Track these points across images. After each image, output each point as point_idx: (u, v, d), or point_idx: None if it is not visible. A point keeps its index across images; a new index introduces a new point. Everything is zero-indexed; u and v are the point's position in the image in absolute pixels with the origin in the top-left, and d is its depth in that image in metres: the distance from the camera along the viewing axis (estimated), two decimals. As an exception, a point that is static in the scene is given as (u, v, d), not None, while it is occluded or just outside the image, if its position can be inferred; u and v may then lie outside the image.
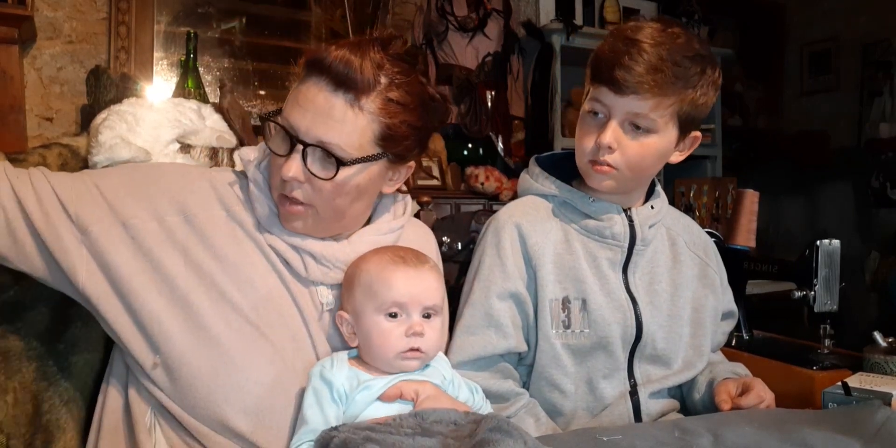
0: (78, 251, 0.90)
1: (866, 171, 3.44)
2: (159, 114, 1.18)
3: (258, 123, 0.97)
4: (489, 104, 2.99)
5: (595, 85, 1.10)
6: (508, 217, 1.17)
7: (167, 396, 0.90)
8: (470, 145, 3.02)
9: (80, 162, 1.15)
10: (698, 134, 1.16)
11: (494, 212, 1.24)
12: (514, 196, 3.00)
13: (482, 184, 2.75)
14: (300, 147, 0.90)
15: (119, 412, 0.95)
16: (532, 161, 1.26)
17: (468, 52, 2.98)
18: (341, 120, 0.89)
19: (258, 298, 0.93)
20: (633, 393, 1.14)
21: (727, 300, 1.31)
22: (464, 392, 1.00)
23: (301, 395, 0.90)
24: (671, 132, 1.10)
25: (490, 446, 0.75)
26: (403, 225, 1.08)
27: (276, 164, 0.93)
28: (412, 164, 1.02)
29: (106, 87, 2.02)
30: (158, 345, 0.89)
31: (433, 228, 1.43)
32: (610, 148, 1.08)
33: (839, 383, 1.13)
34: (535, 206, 1.19)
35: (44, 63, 2.44)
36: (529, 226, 1.15)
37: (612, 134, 1.07)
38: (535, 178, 1.23)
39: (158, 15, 2.57)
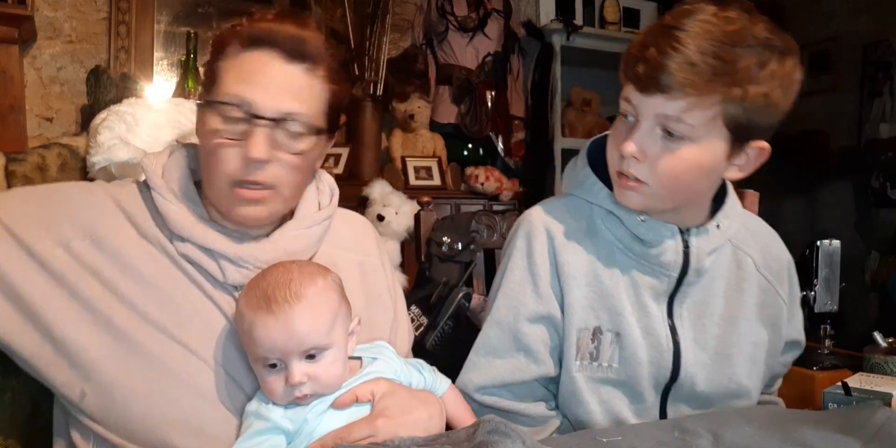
0: None
1: (866, 171, 3.44)
2: (159, 114, 1.18)
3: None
4: (489, 104, 3.00)
5: (624, 81, 0.93)
6: (541, 220, 1.03)
7: (104, 427, 0.85)
8: (470, 145, 3.03)
9: (79, 162, 1.15)
10: (765, 145, 0.94)
11: (494, 212, 1.19)
12: (514, 197, 2.99)
13: (482, 184, 2.75)
14: (263, 123, 0.85)
15: None
16: (583, 151, 1.06)
17: (468, 52, 2.98)
18: (301, 88, 0.87)
19: (183, 316, 0.88)
20: None
21: (793, 329, 1.13)
22: (415, 377, 0.96)
23: (243, 405, 0.87)
24: (717, 141, 0.90)
25: None
26: (331, 215, 1.02)
27: (226, 151, 0.86)
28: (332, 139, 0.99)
29: (106, 87, 2.02)
30: (87, 372, 0.84)
31: (433, 228, 1.43)
32: (635, 158, 0.91)
33: (839, 383, 1.13)
34: (575, 213, 1.03)
35: (44, 63, 2.44)
36: (562, 236, 1.00)
37: (637, 141, 0.90)
38: (580, 178, 1.05)
39: (158, 15, 2.57)
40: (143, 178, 1.05)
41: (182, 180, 0.93)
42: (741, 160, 0.95)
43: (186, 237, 0.90)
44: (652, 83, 0.87)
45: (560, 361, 1.01)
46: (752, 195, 1.67)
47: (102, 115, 1.17)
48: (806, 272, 1.47)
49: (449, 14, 2.94)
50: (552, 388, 1.05)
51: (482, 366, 1.02)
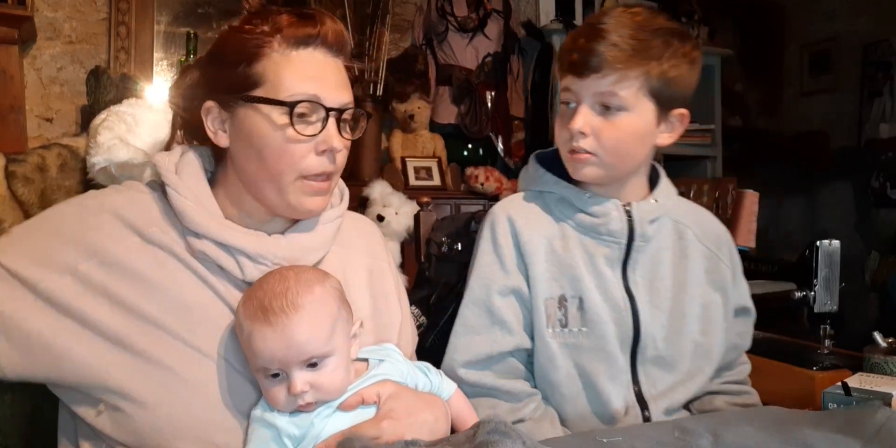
0: None
1: (866, 171, 3.44)
2: (159, 115, 1.18)
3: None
4: (489, 104, 3.00)
5: (562, 75, 1.11)
6: (502, 210, 1.16)
7: (113, 436, 0.86)
8: (470, 145, 3.03)
9: (79, 162, 1.15)
10: (684, 111, 1.12)
11: (495, 212, 1.22)
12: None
13: (482, 184, 2.75)
14: (334, 115, 0.91)
15: None
16: (532, 157, 1.23)
17: (468, 52, 2.98)
18: (346, 78, 0.95)
19: (193, 319, 0.88)
20: (642, 403, 1.10)
21: (740, 295, 1.23)
22: (421, 379, 0.96)
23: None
24: (646, 108, 1.07)
25: None
26: (342, 214, 1.03)
27: (298, 146, 0.90)
28: None
29: (106, 88, 2.02)
30: (100, 392, 0.85)
31: (433, 229, 1.43)
32: (582, 133, 1.07)
33: (839, 383, 1.13)
34: (531, 202, 1.17)
35: (44, 63, 2.44)
36: (522, 220, 1.13)
37: (581, 118, 1.06)
38: (531, 174, 1.21)
39: (158, 15, 2.57)
40: (144, 178, 1.05)
41: (197, 178, 0.94)
42: (668, 127, 1.12)
43: (204, 233, 0.90)
44: (585, 66, 1.05)
45: (532, 336, 1.10)
46: (752, 195, 1.67)
47: (102, 115, 1.18)
48: (806, 272, 1.48)
49: (449, 14, 2.94)
50: (530, 367, 1.12)
51: (463, 345, 1.10)
